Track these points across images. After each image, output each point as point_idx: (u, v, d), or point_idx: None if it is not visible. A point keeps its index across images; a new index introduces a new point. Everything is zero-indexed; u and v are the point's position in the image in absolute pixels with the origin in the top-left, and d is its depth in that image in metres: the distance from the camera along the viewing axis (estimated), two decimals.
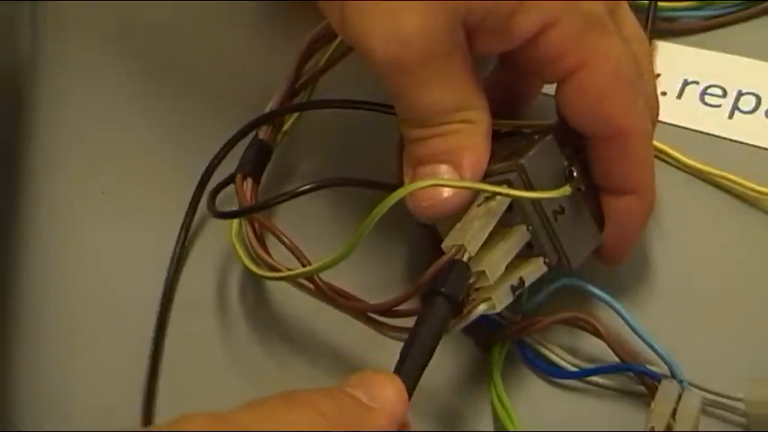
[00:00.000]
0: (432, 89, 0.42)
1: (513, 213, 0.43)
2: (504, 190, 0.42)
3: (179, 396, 0.46)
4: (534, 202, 0.42)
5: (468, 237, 0.41)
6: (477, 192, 0.42)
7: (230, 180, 0.49)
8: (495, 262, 0.41)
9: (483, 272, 0.41)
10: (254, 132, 0.50)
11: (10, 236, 0.52)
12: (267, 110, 0.50)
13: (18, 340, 0.49)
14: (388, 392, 0.37)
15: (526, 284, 0.42)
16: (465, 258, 0.41)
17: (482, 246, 0.42)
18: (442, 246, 0.42)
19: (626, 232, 0.45)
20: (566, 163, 0.43)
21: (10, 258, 0.51)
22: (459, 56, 0.42)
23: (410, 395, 0.38)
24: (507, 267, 0.42)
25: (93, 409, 0.47)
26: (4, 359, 0.49)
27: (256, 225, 0.47)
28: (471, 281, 0.41)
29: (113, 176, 0.53)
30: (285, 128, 0.51)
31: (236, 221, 0.48)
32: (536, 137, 0.43)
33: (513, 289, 0.42)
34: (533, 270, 0.43)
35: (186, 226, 0.50)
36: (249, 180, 0.48)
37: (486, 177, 0.43)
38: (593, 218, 0.44)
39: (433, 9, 0.41)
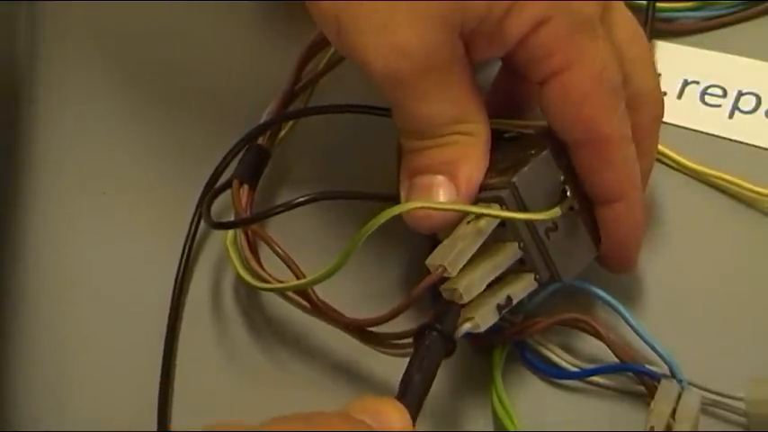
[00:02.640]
0: (431, 102, 0.42)
1: (505, 230, 0.42)
2: (493, 212, 0.41)
3: (179, 399, 0.46)
4: (525, 221, 0.42)
5: (450, 257, 0.41)
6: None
7: (227, 186, 0.48)
8: (473, 283, 0.41)
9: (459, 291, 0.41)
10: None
11: (9, 237, 0.52)
12: (266, 113, 0.50)
13: (16, 341, 0.49)
14: (394, 419, 0.37)
15: (514, 302, 0.42)
16: (445, 276, 0.41)
17: (471, 262, 0.41)
18: (426, 263, 0.41)
19: (621, 241, 0.44)
20: (562, 178, 0.43)
21: (9, 259, 0.51)
22: (458, 68, 0.42)
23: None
24: (496, 284, 0.42)
25: (90, 411, 0.47)
26: (2, 360, 0.49)
27: (250, 234, 0.47)
28: (455, 298, 0.41)
29: (113, 178, 0.53)
30: (282, 133, 0.51)
31: (230, 231, 0.47)
32: (532, 151, 0.43)
33: (500, 308, 0.42)
34: (523, 287, 0.43)
35: (191, 235, 0.50)
36: (245, 186, 0.48)
37: (480, 190, 0.43)
38: (590, 231, 0.44)
39: (430, 21, 0.41)
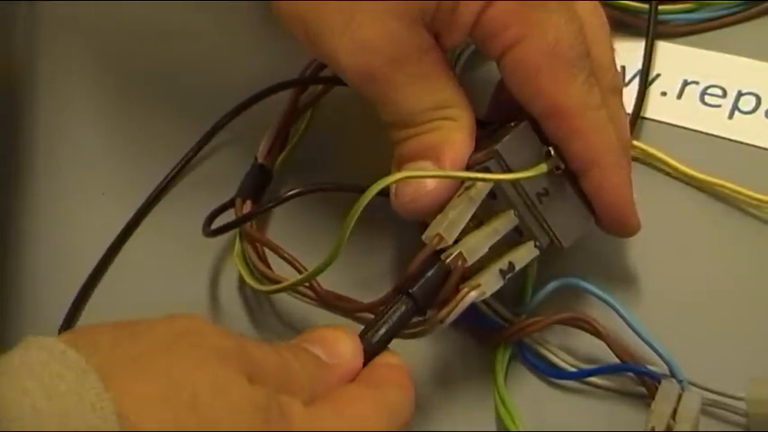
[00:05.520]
0: (408, 93, 0.43)
1: (499, 201, 0.43)
2: (480, 175, 0.42)
3: None
4: (516, 185, 0.42)
5: (444, 225, 0.41)
6: (460, 184, 0.43)
7: (230, 204, 0.48)
8: (474, 244, 0.41)
9: (461, 253, 0.41)
10: (254, 158, 0.50)
11: (10, 237, 0.52)
12: (268, 133, 0.50)
13: (18, 341, 0.49)
14: (345, 349, 0.39)
15: (516, 268, 0.43)
16: (442, 246, 0.41)
17: (469, 231, 0.42)
18: (423, 237, 0.42)
19: (610, 206, 0.44)
20: (545, 146, 0.43)
21: (9, 259, 0.51)
22: (429, 57, 0.43)
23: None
24: (496, 253, 0.42)
25: None
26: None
27: (259, 246, 0.47)
28: (457, 263, 0.41)
29: (113, 178, 0.53)
30: (284, 153, 0.51)
31: (237, 242, 0.48)
32: (512, 124, 0.44)
33: (503, 273, 0.42)
34: (524, 254, 0.43)
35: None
36: (248, 203, 0.48)
37: (466, 169, 0.43)
38: (583, 198, 0.44)
39: (387, 15, 0.42)
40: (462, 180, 0.43)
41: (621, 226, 0.45)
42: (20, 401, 0.32)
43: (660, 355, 0.43)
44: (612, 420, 0.44)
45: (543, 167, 0.43)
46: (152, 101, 0.55)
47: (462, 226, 0.42)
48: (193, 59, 0.56)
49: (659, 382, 0.43)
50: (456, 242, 0.42)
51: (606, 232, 0.45)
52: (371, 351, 0.40)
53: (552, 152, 0.43)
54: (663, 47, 0.54)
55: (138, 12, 0.57)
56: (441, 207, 0.43)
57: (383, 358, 0.40)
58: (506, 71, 0.43)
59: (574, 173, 0.44)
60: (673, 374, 0.43)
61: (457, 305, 0.41)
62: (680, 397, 0.42)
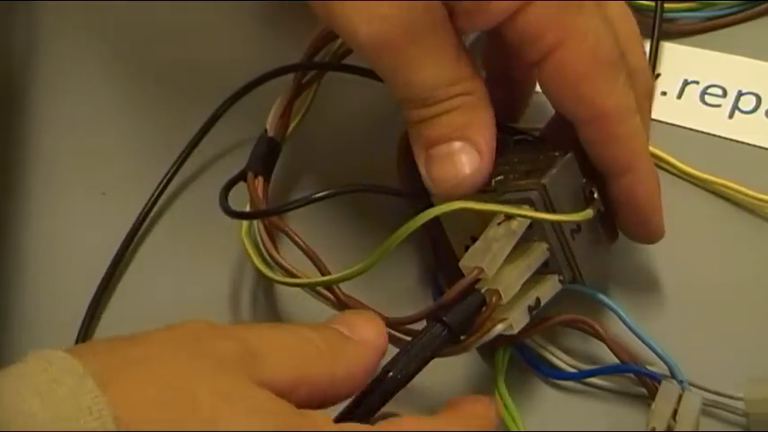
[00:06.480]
0: (424, 65, 0.42)
1: (532, 231, 0.42)
2: (529, 213, 0.41)
3: None
4: (554, 222, 0.42)
5: (487, 259, 0.41)
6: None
7: (240, 177, 0.48)
8: (511, 282, 0.41)
9: (498, 290, 0.41)
10: (263, 130, 0.50)
11: (9, 237, 0.52)
12: (276, 105, 0.50)
13: (17, 342, 0.49)
14: (368, 330, 0.39)
15: (542, 304, 0.42)
16: (481, 277, 0.41)
17: (504, 271, 0.41)
18: (461, 265, 0.41)
19: (638, 209, 0.44)
20: (584, 180, 0.43)
21: (9, 260, 0.51)
22: (444, 30, 0.42)
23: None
24: (523, 286, 0.42)
25: None
26: (3, 360, 0.49)
27: (269, 225, 0.47)
28: (492, 298, 0.41)
29: (113, 177, 0.53)
30: (292, 125, 0.50)
31: (244, 222, 0.47)
32: (556, 153, 0.43)
33: (530, 309, 0.42)
34: (549, 289, 0.43)
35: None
36: (260, 178, 0.48)
37: (506, 191, 0.43)
38: (603, 226, 0.44)
39: None
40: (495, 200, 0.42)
41: (648, 233, 0.45)
42: (16, 407, 0.32)
43: (660, 356, 0.43)
44: (613, 421, 0.44)
45: (589, 213, 0.42)
46: (151, 100, 0.55)
47: (503, 259, 0.41)
48: (194, 58, 0.56)
49: (659, 383, 0.43)
50: None
51: (631, 239, 0.45)
52: (404, 377, 0.39)
53: (595, 194, 0.43)
54: (663, 46, 0.54)
55: (135, 11, 0.57)
56: (477, 190, 0.42)
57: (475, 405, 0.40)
58: (545, 77, 0.42)
59: (605, 175, 0.44)
60: (673, 375, 0.43)
61: (483, 335, 0.41)
62: (680, 397, 0.42)
